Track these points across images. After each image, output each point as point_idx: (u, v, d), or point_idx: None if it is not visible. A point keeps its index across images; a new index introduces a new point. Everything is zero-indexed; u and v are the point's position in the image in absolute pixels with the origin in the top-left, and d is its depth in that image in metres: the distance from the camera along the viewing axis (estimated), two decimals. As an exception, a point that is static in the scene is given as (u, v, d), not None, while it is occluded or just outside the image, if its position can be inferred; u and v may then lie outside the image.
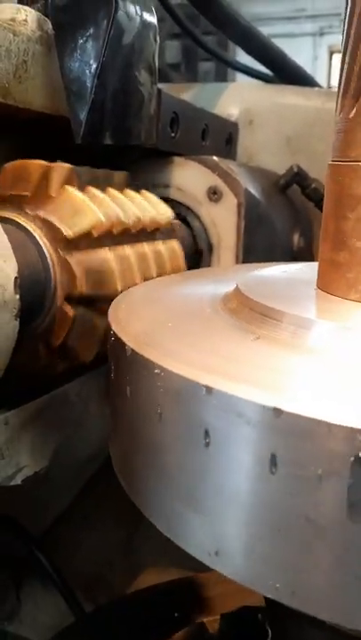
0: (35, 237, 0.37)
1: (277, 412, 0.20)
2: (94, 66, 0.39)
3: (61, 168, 0.39)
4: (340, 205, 0.29)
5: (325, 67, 6.91)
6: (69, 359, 0.41)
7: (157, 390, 0.24)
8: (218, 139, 0.69)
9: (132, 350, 0.26)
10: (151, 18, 0.45)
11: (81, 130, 0.40)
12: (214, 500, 0.23)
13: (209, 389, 0.21)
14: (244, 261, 0.57)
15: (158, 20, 0.45)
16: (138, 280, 0.42)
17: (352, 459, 0.18)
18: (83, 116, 0.40)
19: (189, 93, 0.84)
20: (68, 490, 0.86)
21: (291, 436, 0.20)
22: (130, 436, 0.27)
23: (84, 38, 0.39)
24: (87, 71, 0.39)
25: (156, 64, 0.48)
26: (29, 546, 0.71)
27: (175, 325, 0.29)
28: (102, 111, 0.41)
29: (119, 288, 0.39)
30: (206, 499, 0.23)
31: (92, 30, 0.39)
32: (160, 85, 0.92)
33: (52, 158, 0.41)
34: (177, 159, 0.58)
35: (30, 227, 0.37)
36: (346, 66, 0.29)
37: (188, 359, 0.24)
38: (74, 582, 0.72)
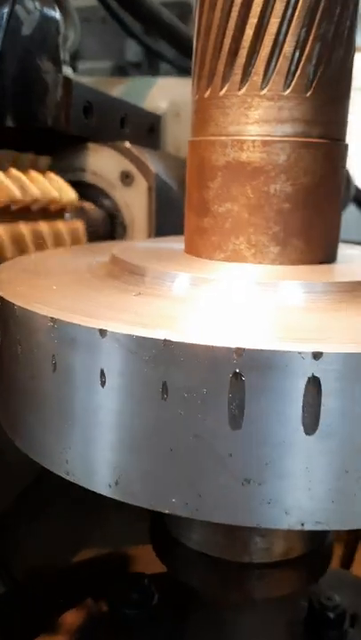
0: None
1: (168, 342, 0.22)
2: (-8, 53, 0.43)
3: None
4: (202, 177, 0.33)
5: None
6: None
7: (52, 342, 0.25)
8: (139, 128, 0.73)
9: (21, 308, 0.27)
10: (52, 12, 0.49)
11: (-19, 112, 0.43)
12: (113, 435, 0.25)
13: (103, 332, 0.23)
14: (155, 241, 0.61)
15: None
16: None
17: (230, 375, 0.21)
18: (-18, 98, 0.43)
19: (121, 87, 0.88)
20: (21, 479, 0.88)
21: (179, 363, 0.22)
22: (23, 391, 0.29)
23: (-19, 27, 0.42)
24: (-15, 57, 0.43)
25: (61, 54, 0.52)
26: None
27: (59, 288, 0.31)
28: (3, 96, 0.44)
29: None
30: (105, 434, 0.25)
31: (-13, 20, 0.42)
32: (93, 79, 0.95)
33: None
34: (92, 145, 0.62)
35: None
36: (199, 51, 0.32)
37: (77, 310, 0.26)
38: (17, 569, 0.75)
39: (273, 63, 0.30)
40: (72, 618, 0.54)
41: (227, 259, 0.32)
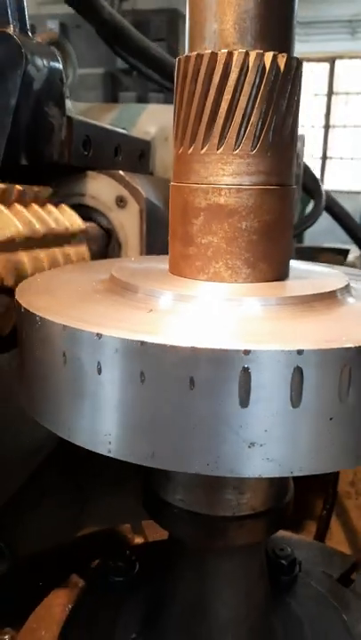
0: None
1: (144, 343, 0.31)
2: (11, 106, 0.52)
3: None
4: (187, 215, 0.41)
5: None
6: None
7: (63, 342, 0.34)
8: (131, 155, 0.82)
9: (42, 317, 0.36)
10: (57, 64, 0.58)
11: (1, 155, 0.53)
12: (105, 410, 0.33)
13: (99, 335, 0.32)
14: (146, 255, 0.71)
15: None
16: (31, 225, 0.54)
17: (190, 377, 0.30)
18: (2, 144, 0.52)
19: (113, 113, 0.97)
20: (17, 477, 0.96)
21: (153, 358, 0.31)
22: (43, 378, 0.37)
23: (3, 87, 0.51)
24: (5, 111, 0.52)
25: (65, 99, 0.61)
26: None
27: (69, 302, 0.40)
28: (18, 140, 0.54)
29: None
30: (98, 409, 0.34)
31: (8, 81, 0.51)
32: (89, 105, 1.04)
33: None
34: (91, 173, 0.71)
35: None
36: (182, 116, 0.40)
37: (82, 319, 0.35)
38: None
39: (243, 130, 0.39)
40: (65, 591, 0.61)
41: (208, 279, 0.41)
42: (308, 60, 7.23)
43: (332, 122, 7.57)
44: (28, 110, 0.54)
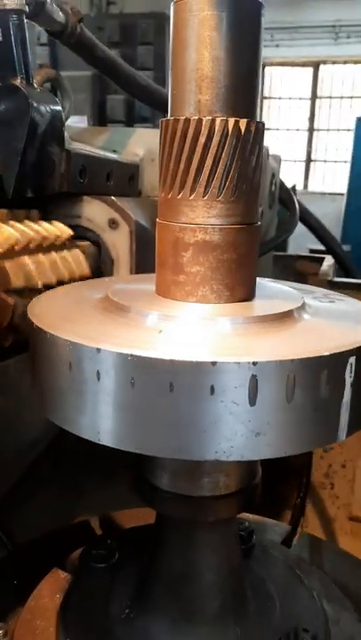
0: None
1: (133, 356, 0.40)
2: (19, 149, 0.61)
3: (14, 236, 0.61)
4: (177, 249, 0.49)
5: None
6: (15, 333, 0.63)
7: (69, 354, 0.42)
8: (121, 179, 0.91)
9: (52, 334, 0.44)
10: (57, 108, 0.67)
11: (10, 189, 0.61)
12: (100, 408, 0.42)
13: (98, 350, 0.41)
14: (136, 272, 0.80)
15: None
16: (51, 276, 0.64)
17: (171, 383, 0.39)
18: (11, 180, 0.61)
19: (104, 136, 1.06)
20: (14, 471, 1.03)
21: (140, 368, 0.40)
22: (51, 379, 0.46)
23: (12, 133, 0.60)
24: (15, 153, 0.61)
25: (64, 136, 0.70)
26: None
27: (73, 320, 0.48)
28: (24, 177, 0.62)
29: (39, 283, 0.62)
30: (92, 407, 0.42)
31: (17, 128, 0.60)
32: (81, 128, 1.12)
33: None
34: (86, 198, 0.80)
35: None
36: (170, 168, 0.48)
37: (85, 336, 0.43)
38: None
39: (224, 182, 0.47)
40: (51, 581, 0.65)
41: (197, 301, 0.49)
42: (293, 64, 7.34)
43: (316, 125, 7.70)
44: (33, 151, 0.63)
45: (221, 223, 0.48)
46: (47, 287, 0.65)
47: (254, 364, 0.39)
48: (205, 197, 0.48)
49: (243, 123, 0.46)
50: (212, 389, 0.39)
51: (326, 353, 0.41)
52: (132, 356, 0.40)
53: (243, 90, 0.47)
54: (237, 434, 0.40)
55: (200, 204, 0.48)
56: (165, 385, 0.39)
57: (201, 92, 0.47)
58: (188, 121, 0.47)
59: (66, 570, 0.66)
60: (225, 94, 0.47)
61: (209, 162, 0.47)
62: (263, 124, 0.49)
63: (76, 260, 0.71)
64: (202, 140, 0.47)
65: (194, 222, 0.48)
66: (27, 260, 0.62)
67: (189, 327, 0.46)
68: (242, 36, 0.46)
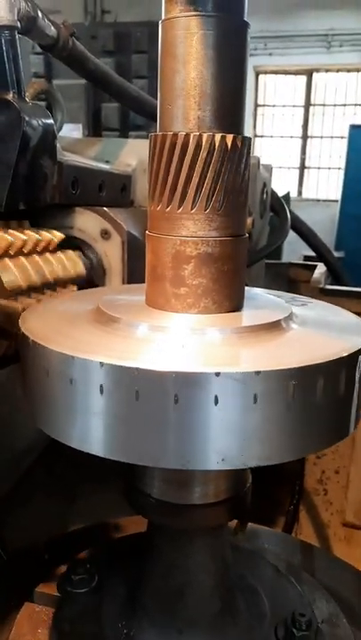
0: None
1: (135, 369, 0.40)
2: (11, 163, 0.62)
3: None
4: (179, 262, 0.50)
5: (252, 86, 7.32)
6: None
7: (58, 364, 0.43)
8: (114, 189, 0.92)
9: (41, 345, 0.45)
10: (49, 121, 0.68)
11: (3, 202, 0.62)
12: (92, 418, 0.42)
13: (72, 357, 0.43)
14: (128, 281, 0.81)
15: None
16: (47, 275, 0.66)
17: (174, 396, 0.40)
18: (3, 193, 0.62)
19: (97, 147, 1.07)
20: (7, 479, 1.04)
21: (142, 380, 0.40)
22: (34, 386, 0.47)
23: (4, 147, 0.61)
24: (7, 167, 0.62)
25: (56, 149, 0.71)
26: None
27: (64, 331, 0.49)
28: (17, 190, 0.63)
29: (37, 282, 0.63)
30: (82, 417, 0.43)
31: (8, 142, 0.61)
32: (75, 139, 1.14)
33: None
34: (78, 209, 0.80)
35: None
36: (169, 183, 0.49)
37: (75, 348, 0.43)
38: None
39: (222, 196, 0.49)
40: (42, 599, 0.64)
41: (199, 312, 0.50)
42: (287, 72, 7.40)
43: (309, 132, 7.76)
44: (25, 164, 0.64)
45: (220, 235, 0.50)
46: (45, 286, 0.67)
47: (257, 372, 0.40)
48: (207, 211, 0.49)
49: (230, 138, 0.48)
50: (216, 399, 0.40)
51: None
52: (136, 368, 0.40)
53: (229, 106, 0.48)
54: (243, 441, 0.41)
55: (201, 217, 0.49)
56: (170, 397, 0.40)
57: (189, 107, 0.48)
58: (176, 136, 0.48)
59: (36, 601, 0.64)
60: (212, 110, 0.48)
61: (210, 175, 0.48)
62: (250, 139, 0.50)
63: (70, 259, 0.72)
64: (203, 154, 0.47)
65: (195, 235, 0.49)
66: (23, 260, 0.63)
67: (193, 338, 0.46)
68: (228, 54, 0.48)
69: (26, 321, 0.51)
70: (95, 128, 6.07)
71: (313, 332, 0.51)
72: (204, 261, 0.49)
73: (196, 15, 0.45)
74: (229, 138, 0.48)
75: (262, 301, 0.58)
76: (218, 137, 0.47)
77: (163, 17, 0.48)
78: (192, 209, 0.48)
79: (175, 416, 0.40)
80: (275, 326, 0.49)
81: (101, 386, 0.41)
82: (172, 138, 0.48)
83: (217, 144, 0.47)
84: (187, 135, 0.48)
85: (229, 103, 0.48)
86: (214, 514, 0.55)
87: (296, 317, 0.53)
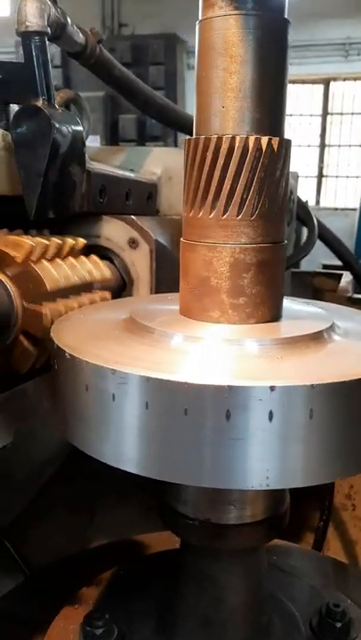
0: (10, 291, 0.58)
1: (148, 379, 0.39)
2: (41, 170, 0.60)
3: (41, 245, 0.59)
4: (237, 270, 0.47)
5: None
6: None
7: (87, 374, 0.42)
8: (140, 197, 0.91)
9: (72, 355, 0.44)
10: (79, 128, 0.67)
11: (33, 210, 0.61)
12: (119, 431, 0.41)
13: (113, 371, 0.40)
14: (156, 291, 0.79)
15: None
16: (74, 278, 0.63)
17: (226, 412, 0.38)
18: (33, 201, 0.61)
19: (122, 155, 1.06)
20: (28, 491, 1.03)
21: (156, 391, 0.39)
22: (70, 401, 0.45)
23: (34, 154, 0.60)
24: (37, 174, 0.60)
25: (85, 157, 0.69)
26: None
27: (94, 341, 0.47)
28: (46, 197, 0.62)
29: (63, 284, 0.61)
30: (113, 430, 0.41)
31: (38, 149, 0.60)
32: (99, 148, 1.13)
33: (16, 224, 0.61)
34: (106, 218, 0.79)
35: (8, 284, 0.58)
36: (226, 188, 0.46)
37: (101, 356, 0.42)
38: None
39: (272, 202, 0.47)
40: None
41: (256, 322, 0.48)
42: (304, 81, 7.39)
43: (327, 141, 7.73)
44: (55, 172, 0.62)
45: (274, 241, 0.48)
46: (71, 289, 0.65)
47: (313, 386, 0.37)
48: (263, 217, 0.47)
49: (275, 141, 0.46)
50: (271, 415, 0.37)
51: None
52: (148, 378, 0.39)
53: (270, 107, 0.46)
54: (302, 458, 0.38)
55: (259, 223, 0.47)
56: (222, 412, 0.38)
57: (228, 109, 0.46)
58: (220, 139, 0.45)
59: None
60: (252, 112, 0.46)
61: (267, 180, 0.46)
62: (290, 141, 0.48)
63: (94, 263, 0.70)
64: (248, 157, 0.45)
65: (255, 242, 0.47)
66: (61, 306, 0.61)
67: (219, 349, 0.45)
68: (269, 54, 0.46)
69: (59, 333, 0.50)
70: (113, 139, 6.12)
71: (358, 343, 0.48)
72: (262, 269, 0.47)
73: (237, 14, 0.43)
74: (275, 140, 0.46)
75: (300, 311, 0.56)
76: (265, 140, 0.45)
77: (200, 17, 0.47)
78: (252, 215, 0.46)
79: (227, 432, 0.38)
80: (318, 337, 0.47)
81: (113, 395, 0.40)
82: (218, 141, 0.45)
83: (274, 147, 0.46)
84: (233, 138, 0.45)
85: (270, 104, 0.46)
86: (252, 534, 0.53)
87: (338, 328, 0.51)
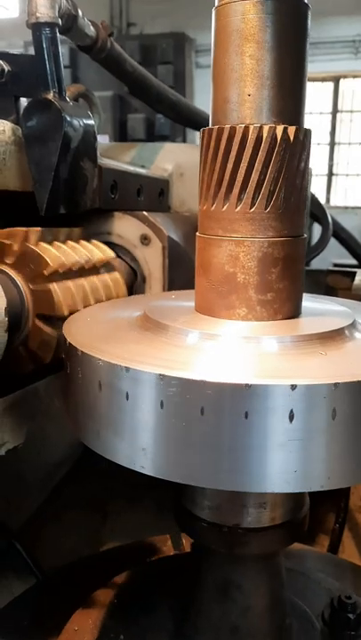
0: (14, 279, 0.56)
1: (163, 376, 0.37)
2: (52, 164, 0.59)
3: (35, 231, 0.58)
4: (265, 265, 0.45)
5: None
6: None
7: (100, 372, 0.41)
8: (152, 194, 0.89)
9: (84, 353, 0.42)
10: (90, 122, 0.65)
11: (44, 206, 0.60)
12: (134, 431, 0.39)
13: (127, 369, 0.39)
14: (168, 289, 0.77)
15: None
16: (91, 300, 0.62)
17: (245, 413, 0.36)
18: (45, 197, 0.59)
19: (133, 152, 1.05)
20: (40, 492, 1.01)
21: (170, 388, 0.37)
22: (82, 400, 0.44)
23: (45, 148, 0.58)
24: (48, 168, 0.59)
25: (97, 152, 0.68)
26: (9, 539, 0.86)
27: (108, 339, 0.46)
28: (57, 193, 0.61)
29: (79, 308, 0.59)
30: (128, 430, 0.40)
31: (50, 142, 0.58)
32: (109, 144, 1.12)
33: (26, 222, 0.60)
34: (117, 214, 0.78)
35: (11, 273, 0.56)
36: (254, 181, 0.44)
37: (114, 353, 0.41)
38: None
39: (297, 195, 0.45)
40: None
41: (283, 318, 0.46)
42: (313, 79, 7.34)
43: (337, 139, 7.67)
44: (66, 166, 0.61)
45: (297, 234, 0.46)
46: (77, 269, 0.62)
47: (336, 385, 0.36)
48: (289, 209, 0.45)
49: (301, 130, 0.44)
50: (292, 415, 0.36)
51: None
52: (161, 376, 0.37)
53: (295, 96, 0.45)
54: (323, 460, 0.37)
55: (287, 216, 0.45)
56: (241, 412, 0.36)
57: (254, 97, 0.44)
58: (247, 129, 0.43)
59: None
60: (279, 100, 0.44)
61: (294, 171, 0.44)
62: (311, 131, 0.47)
63: (115, 282, 0.69)
64: (276, 147, 0.43)
65: (283, 235, 0.45)
66: (70, 284, 0.60)
67: (235, 346, 0.43)
68: (289, 42, 0.44)
69: (70, 330, 0.48)
70: (121, 138, 6.11)
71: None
72: (288, 264, 0.46)
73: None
74: (300, 130, 0.44)
75: (322, 307, 0.54)
76: (292, 130, 0.43)
77: (216, 3, 0.45)
78: (280, 208, 0.44)
79: (244, 432, 0.36)
80: (339, 334, 0.45)
81: (127, 394, 0.38)
82: (245, 131, 0.43)
83: (300, 137, 0.44)
84: (261, 128, 0.43)
85: (290, 93, 0.44)
86: (270, 539, 0.51)
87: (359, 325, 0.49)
